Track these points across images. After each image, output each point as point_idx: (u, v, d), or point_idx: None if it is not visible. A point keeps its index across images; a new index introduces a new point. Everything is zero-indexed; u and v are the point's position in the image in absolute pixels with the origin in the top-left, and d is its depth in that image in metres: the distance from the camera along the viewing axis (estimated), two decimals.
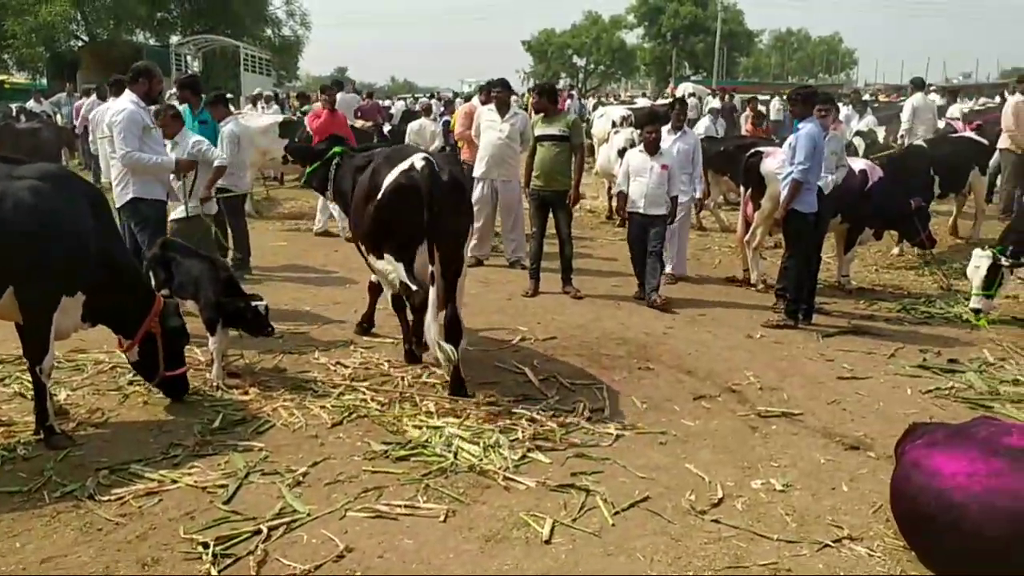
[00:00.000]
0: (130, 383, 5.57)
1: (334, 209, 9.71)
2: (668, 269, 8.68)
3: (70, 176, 5.09)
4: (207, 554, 3.62)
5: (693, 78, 54.76)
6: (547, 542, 3.80)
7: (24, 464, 4.44)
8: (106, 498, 4.10)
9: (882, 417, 5.35)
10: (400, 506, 4.06)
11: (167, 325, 5.13)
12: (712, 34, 62.97)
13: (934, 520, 3.50)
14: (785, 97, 13.74)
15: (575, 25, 72.63)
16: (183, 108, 9.23)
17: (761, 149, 8.77)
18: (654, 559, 3.70)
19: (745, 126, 17.05)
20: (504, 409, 5.25)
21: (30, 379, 4.79)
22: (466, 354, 5.82)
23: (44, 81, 36.15)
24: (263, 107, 19.72)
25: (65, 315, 4.71)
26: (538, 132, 8.44)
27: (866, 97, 26.72)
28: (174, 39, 38.38)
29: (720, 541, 3.84)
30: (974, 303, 7.44)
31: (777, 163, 7.92)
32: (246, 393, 5.46)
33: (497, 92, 9.35)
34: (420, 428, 4.92)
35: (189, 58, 34.74)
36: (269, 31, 44.27)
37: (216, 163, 7.24)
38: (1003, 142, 12.24)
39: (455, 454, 4.59)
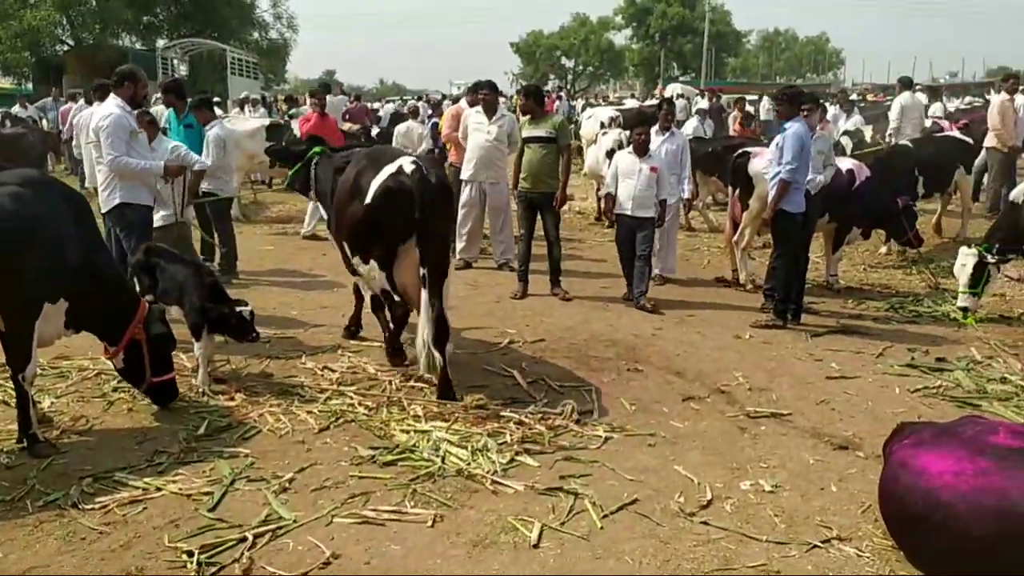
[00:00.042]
0: (115, 390, 5.52)
1: (323, 212, 9.67)
2: (656, 271, 8.67)
3: (52, 182, 5.06)
4: (192, 562, 3.58)
5: (681, 79, 54.86)
6: (535, 546, 3.78)
7: (7, 473, 4.40)
8: (90, 506, 4.05)
9: (871, 416, 5.35)
10: (387, 512, 4.02)
11: (152, 331, 5.09)
12: (700, 35, 63.20)
13: (922, 519, 3.50)
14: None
15: (563, 27, 72.82)
16: (168, 112, 9.23)
17: (749, 149, 8.78)
18: (643, 562, 3.68)
19: (733, 126, 17.08)
20: (492, 412, 5.22)
21: (13, 387, 4.74)
22: (454, 357, 5.81)
23: (30, 86, 35.96)
24: (250, 111, 19.65)
25: (48, 322, 4.66)
26: (525, 134, 8.43)
27: (853, 97, 26.81)
28: (160, 43, 38.27)
29: (709, 543, 3.83)
30: (961, 301, 7.46)
31: (764, 163, 7.92)
32: (232, 399, 5.42)
33: (484, 94, 9.32)
34: (408, 432, 4.89)
35: (176, 62, 34.69)
36: (256, 34, 44.21)
37: (195, 167, 7.21)
38: (989, 141, 12.28)
39: (443, 458, 4.56)
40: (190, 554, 3.63)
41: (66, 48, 36.78)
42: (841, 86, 56.00)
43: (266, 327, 6.64)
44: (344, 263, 6.28)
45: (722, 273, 9.21)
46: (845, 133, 14.24)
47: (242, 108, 20.32)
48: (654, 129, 8.69)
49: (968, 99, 27.79)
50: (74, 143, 13.49)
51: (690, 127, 14.93)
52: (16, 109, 21.46)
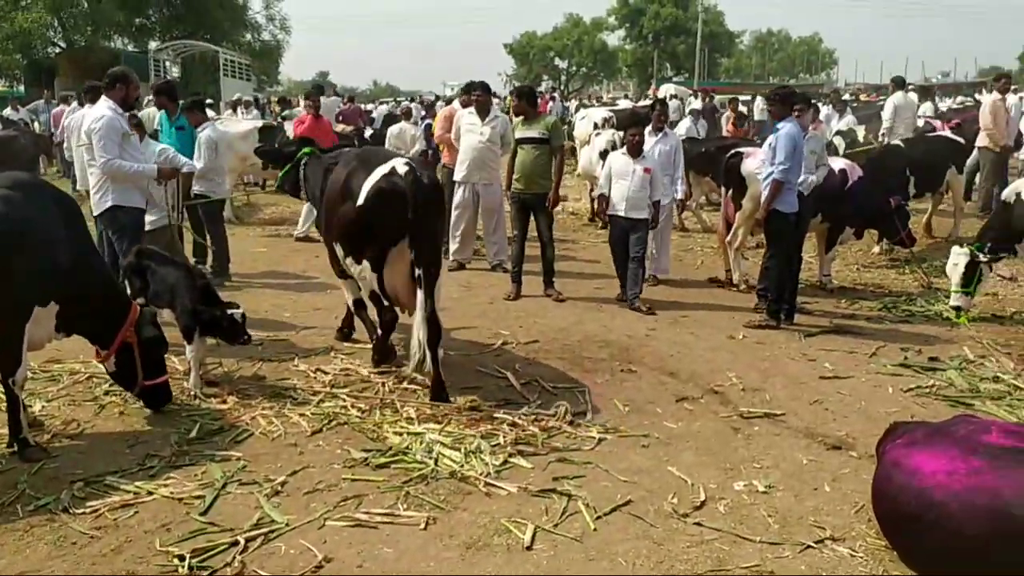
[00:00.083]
0: (106, 393, 5.50)
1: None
2: (649, 272, 8.66)
3: (42, 185, 5.02)
4: (183, 566, 3.57)
5: (675, 79, 54.94)
6: (529, 548, 3.77)
7: None
8: (81, 511, 4.04)
9: (864, 416, 5.36)
10: (380, 514, 4.01)
11: (143, 334, 5.07)
12: (693, 35, 63.25)
13: (915, 519, 3.50)
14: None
15: (557, 27, 72.81)
16: (160, 114, 9.20)
17: (741, 150, 8.78)
18: (636, 563, 3.68)
19: (726, 127, 17.09)
20: (486, 414, 5.21)
21: (3, 391, 4.71)
22: (447, 359, 5.82)
23: (21, 88, 35.84)
24: (243, 112, 19.60)
25: (38, 326, 4.63)
26: (518, 135, 8.42)
27: (846, 97, 26.87)
28: (152, 45, 38.21)
29: (703, 544, 3.83)
30: (954, 300, 7.48)
31: (757, 163, 7.92)
32: (224, 402, 5.41)
33: (477, 95, 9.32)
34: (401, 435, 4.88)
35: (168, 64, 34.57)
36: (249, 36, 44.05)
37: (184, 169, 7.20)
38: (981, 140, 12.32)
39: (436, 460, 4.55)
40: (181, 558, 3.62)
41: (58, 50, 36.66)
42: (834, 86, 56.15)
43: (259, 329, 6.62)
44: (331, 264, 6.31)
45: (716, 273, 9.22)
46: (838, 133, 14.28)
47: (235, 110, 20.26)
48: (647, 130, 8.69)
49: (960, 99, 27.88)
50: (65, 146, 13.44)
51: (683, 127, 14.93)
52: (8, 112, 21.40)
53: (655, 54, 66.89)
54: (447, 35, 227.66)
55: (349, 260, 5.76)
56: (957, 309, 7.45)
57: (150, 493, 4.20)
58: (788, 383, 5.97)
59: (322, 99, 15.00)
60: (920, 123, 14.44)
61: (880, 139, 13.13)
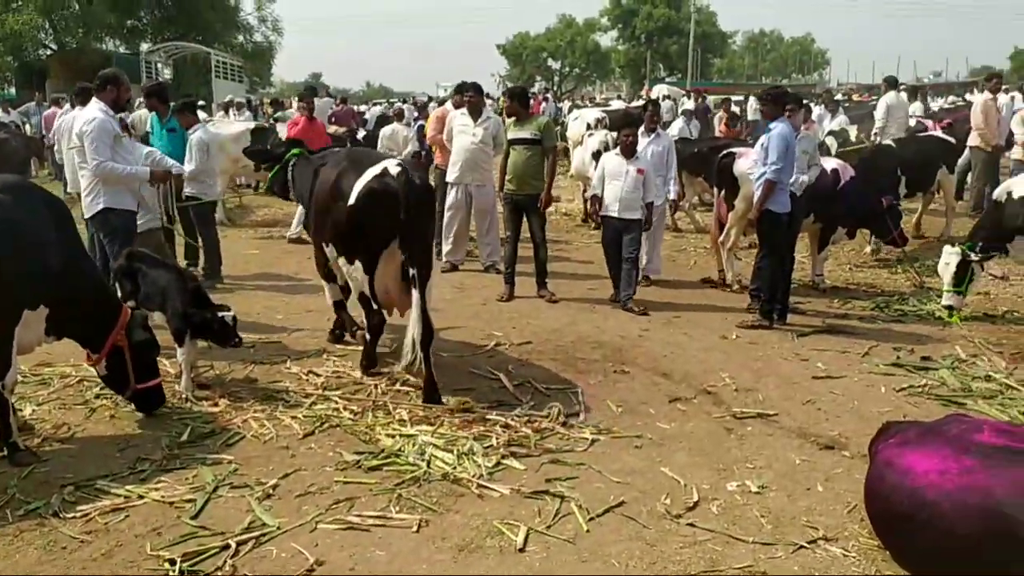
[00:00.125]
0: (97, 397, 5.47)
1: None
2: (642, 272, 8.66)
3: (31, 187, 5.00)
4: (174, 571, 3.55)
5: (668, 80, 55.01)
6: (521, 550, 3.76)
7: None
8: (71, 515, 4.01)
9: (857, 416, 5.36)
10: (372, 517, 4.00)
11: (134, 337, 5.04)
12: (686, 36, 63.36)
13: (907, 518, 3.50)
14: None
15: (549, 28, 72.88)
16: (151, 116, 9.17)
17: (734, 150, 8.79)
18: (629, 564, 3.67)
19: (719, 127, 17.13)
20: (478, 416, 5.20)
21: None
22: (439, 360, 5.80)
23: (12, 91, 35.70)
24: (235, 114, 19.56)
25: (27, 329, 4.60)
26: (510, 136, 8.41)
27: (838, 97, 26.96)
28: (144, 47, 38.06)
29: (695, 545, 3.82)
30: (946, 300, 7.49)
31: (750, 164, 7.93)
32: (216, 405, 5.38)
33: (469, 96, 9.30)
34: (393, 437, 4.87)
35: (160, 65, 34.47)
36: (241, 37, 44.00)
37: (173, 171, 7.18)
38: (972, 140, 12.36)
39: (428, 462, 4.54)
40: (172, 562, 3.60)
41: (49, 52, 36.52)
42: (826, 86, 56.38)
43: (251, 332, 6.60)
44: (316, 265, 6.33)
45: (708, 274, 9.22)
46: (830, 133, 14.33)
47: (227, 111, 20.22)
48: (640, 131, 8.69)
49: (951, 98, 27.99)
50: (56, 148, 13.39)
51: (676, 128, 14.96)
52: None
53: (648, 55, 67.02)
54: (442, 36, 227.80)
55: (342, 260, 5.75)
56: (949, 308, 7.46)
57: (141, 497, 4.18)
58: (781, 383, 5.98)
59: (315, 100, 14.99)
60: (912, 123, 14.48)
61: (873, 139, 13.16)
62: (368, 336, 5.93)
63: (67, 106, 15.17)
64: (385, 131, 13.27)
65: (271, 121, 17.24)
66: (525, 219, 8.37)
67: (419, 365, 5.37)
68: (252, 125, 14.03)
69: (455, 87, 10.47)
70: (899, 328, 7.36)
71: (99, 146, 6.27)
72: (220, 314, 5.57)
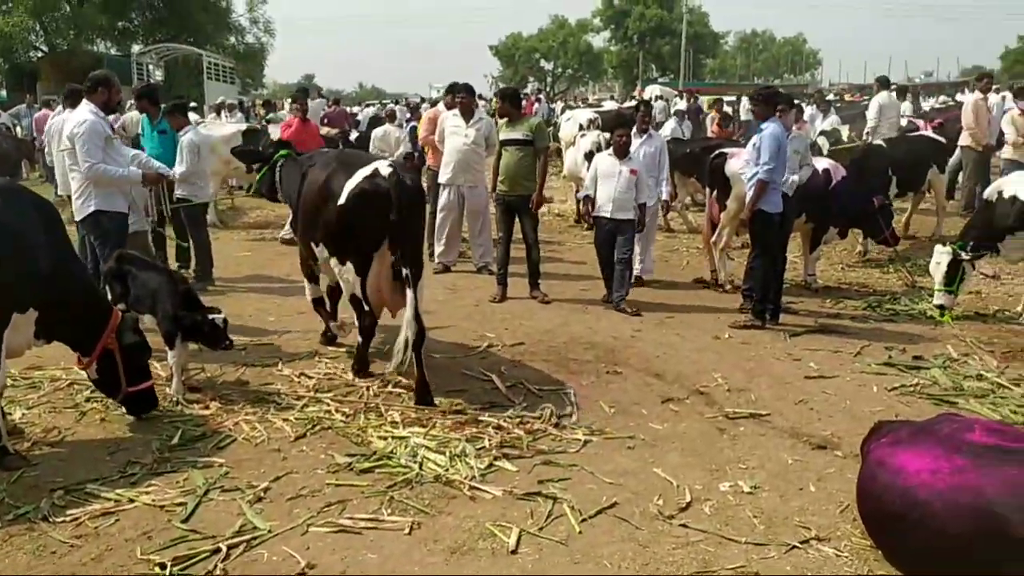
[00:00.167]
0: (87, 400, 5.44)
1: None
2: (635, 272, 8.66)
3: (20, 190, 4.97)
4: (164, 574, 3.53)
5: (660, 80, 55.07)
6: (514, 552, 3.75)
7: None
8: (61, 519, 3.99)
9: (849, 415, 5.37)
10: (364, 520, 3.98)
11: (125, 340, 5.01)
12: (678, 36, 63.44)
13: (899, 518, 3.50)
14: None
15: (542, 29, 72.88)
16: (142, 118, 9.13)
17: (726, 150, 8.80)
18: (622, 566, 3.66)
19: (711, 127, 17.13)
20: (471, 417, 5.19)
21: None
22: (433, 361, 5.79)
23: (3, 93, 35.56)
24: (227, 116, 19.51)
25: (17, 332, 4.57)
26: (502, 137, 8.41)
27: (830, 97, 27.01)
28: (135, 48, 37.97)
29: (688, 546, 3.82)
30: (938, 299, 7.51)
31: (741, 164, 7.93)
32: (207, 407, 5.36)
33: (461, 97, 9.29)
34: (385, 439, 4.85)
35: (151, 67, 34.36)
36: (232, 39, 43.90)
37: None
38: (964, 140, 12.39)
39: (420, 464, 4.52)
40: (163, 566, 3.58)
41: (40, 54, 36.40)
42: (818, 86, 56.52)
43: (242, 334, 6.59)
44: (301, 266, 6.34)
45: (701, 274, 9.22)
46: (822, 133, 14.35)
47: (219, 113, 20.18)
48: (632, 131, 8.68)
49: (942, 98, 28.08)
50: (47, 150, 13.33)
51: (668, 128, 14.96)
52: None
53: (640, 55, 67.09)
54: (433, 37, 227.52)
55: (334, 261, 5.73)
56: (941, 308, 7.48)
57: (131, 501, 4.15)
58: (773, 383, 5.98)
59: (308, 102, 14.96)
60: (903, 122, 14.52)
61: (864, 139, 13.20)
62: (360, 338, 5.91)
63: (58, 108, 15.12)
64: (377, 132, 13.25)
65: (263, 123, 17.21)
66: (517, 220, 8.36)
67: (408, 366, 5.35)
68: (244, 127, 14.01)
69: (446, 88, 10.43)
70: (891, 327, 7.37)
71: (90, 148, 6.24)
72: (211, 316, 5.55)
